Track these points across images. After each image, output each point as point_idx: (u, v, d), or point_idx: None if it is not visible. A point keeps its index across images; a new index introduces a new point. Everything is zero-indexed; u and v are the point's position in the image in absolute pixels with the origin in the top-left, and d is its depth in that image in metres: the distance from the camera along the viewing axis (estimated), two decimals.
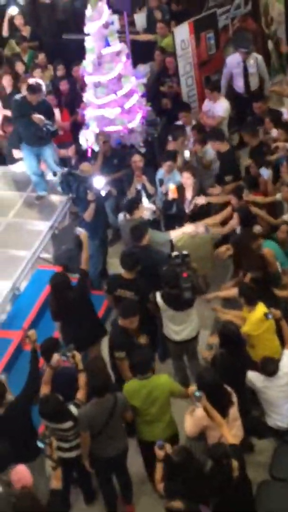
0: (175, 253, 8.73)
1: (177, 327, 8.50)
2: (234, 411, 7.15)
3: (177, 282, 8.25)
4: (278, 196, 9.61)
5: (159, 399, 7.36)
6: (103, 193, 10.28)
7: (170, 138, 10.97)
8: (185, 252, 8.64)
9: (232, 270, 9.67)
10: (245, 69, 12.24)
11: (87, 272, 8.93)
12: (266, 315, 7.90)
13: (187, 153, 10.74)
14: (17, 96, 11.29)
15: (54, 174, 10.83)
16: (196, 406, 7.02)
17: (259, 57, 12.46)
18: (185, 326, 8.52)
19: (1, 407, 7.21)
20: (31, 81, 11.41)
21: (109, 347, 8.23)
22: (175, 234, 9.50)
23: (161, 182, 10.43)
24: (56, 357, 7.56)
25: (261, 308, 7.99)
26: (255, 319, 7.95)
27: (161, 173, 10.53)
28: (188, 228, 9.58)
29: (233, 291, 8.50)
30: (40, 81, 11.43)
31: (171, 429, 7.58)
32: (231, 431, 7.00)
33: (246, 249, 8.78)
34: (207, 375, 7.15)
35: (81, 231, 9.09)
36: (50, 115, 11.25)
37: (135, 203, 9.78)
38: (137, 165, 10.45)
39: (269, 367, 7.61)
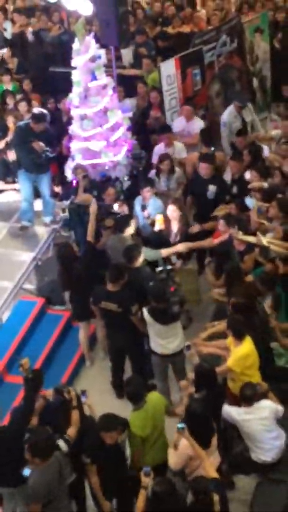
0: (159, 268, 8.98)
1: (163, 340, 8.64)
2: (214, 440, 7.13)
3: (164, 297, 8.42)
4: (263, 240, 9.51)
5: (159, 417, 7.43)
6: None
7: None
8: (169, 266, 8.94)
9: (215, 307, 9.63)
10: (243, 120, 12.24)
11: (92, 243, 9.41)
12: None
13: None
14: (21, 123, 11.47)
15: (63, 210, 10.85)
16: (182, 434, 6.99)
17: (249, 104, 12.53)
18: (172, 340, 8.66)
19: None
20: (36, 110, 11.50)
21: None
22: (167, 252, 9.57)
23: (144, 207, 10.49)
24: (50, 391, 7.52)
25: (247, 343, 7.90)
26: (241, 354, 7.86)
27: (139, 199, 10.58)
28: (181, 247, 9.64)
29: (222, 325, 8.46)
30: (44, 111, 11.49)
31: (166, 448, 7.50)
32: (209, 458, 6.97)
33: (239, 276, 8.77)
34: (196, 405, 7.13)
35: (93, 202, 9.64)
36: (51, 143, 11.39)
37: (127, 220, 9.79)
38: (111, 198, 10.50)
39: (248, 392, 7.54)
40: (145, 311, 8.59)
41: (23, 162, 11.40)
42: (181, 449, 7.04)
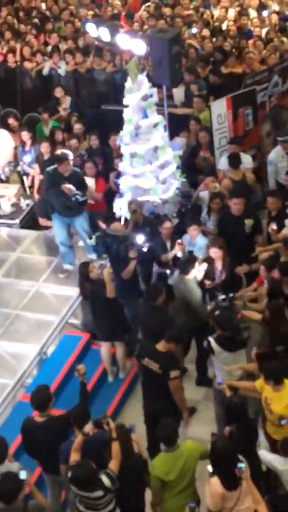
0: (222, 297, 9.07)
1: (221, 378, 8.52)
2: (248, 483, 6.93)
3: (232, 324, 8.50)
4: None
5: (191, 467, 7.29)
6: (145, 249, 10.28)
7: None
8: (231, 294, 9.07)
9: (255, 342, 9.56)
10: None
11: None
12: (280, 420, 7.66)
13: None
14: (49, 168, 11.46)
15: (90, 237, 10.96)
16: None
17: None
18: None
19: (43, 415, 7.82)
20: (58, 152, 11.62)
21: None
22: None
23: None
24: (89, 426, 7.50)
25: None
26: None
27: (186, 239, 10.51)
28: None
29: (253, 366, 8.46)
30: (67, 151, 11.62)
31: (196, 496, 7.44)
32: (244, 504, 6.88)
33: (282, 316, 8.66)
34: (220, 444, 7.04)
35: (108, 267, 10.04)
36: (81, 186, 11.34)
37: (191, 262, 9.79)
38: (168, 232, 10.48)
39: None
40: (212, 340, 8.57)
41: (55, 206, 11.42)
42: (210, 488, 6.94)
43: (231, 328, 8.48)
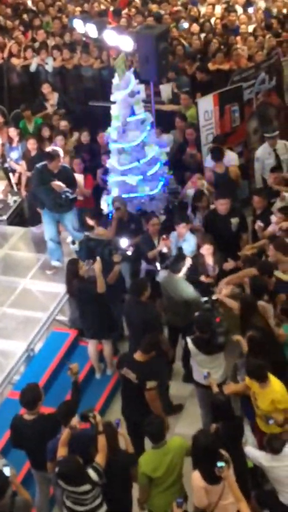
0: (204, 299, 9.11)
1: (207, 371, 8.51)
2: (229, 481, 6.88)
3: (209, 327, 8.47)
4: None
5: (178, 463, 7.30)
6: (129, 253, 10.29)
7: None
8: (214, 297, 9.04)
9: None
10: (277, 157, 12.15)
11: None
12: (267, 420, 7.69)
13: None
14: (38, 165, 11.42)
15: (73, 242, 10.94)
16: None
17: (286, 142, 12.43)
18: (216, 370, 8.62)
19: (32, 414, 7.86)
20: (48, 148, 11.59)
21: None
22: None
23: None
24: (75, 419, 7.50)
25: (274, 381, 7.78)
26: (277, 395, 7.70)
27: (174, 236, 10.48)
28: (225, 291, 9.57)
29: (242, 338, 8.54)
30: (58, 148, 11.59)
31: (183, 492, 7.45)
32: (228, 498, 6.90)
33: (254, 309, 8.68)
34: (202, 438, 7.05)
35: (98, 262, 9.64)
36: (70, 183, 11.33)
37: (181, 260, 9.83)
38: (155, 228, 10.47)
39: (274, 445, 7.32)
40: (189, 340, 8.59)
41: (45, 203, 11.41)
42: (193, 483, 6.98)
43: (210, 331, 8.48)
